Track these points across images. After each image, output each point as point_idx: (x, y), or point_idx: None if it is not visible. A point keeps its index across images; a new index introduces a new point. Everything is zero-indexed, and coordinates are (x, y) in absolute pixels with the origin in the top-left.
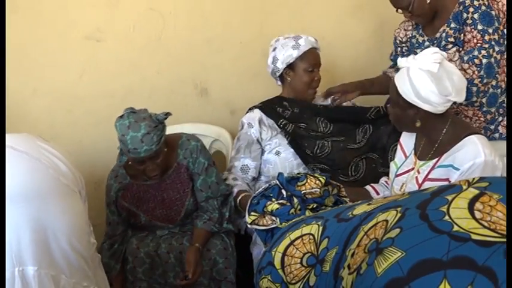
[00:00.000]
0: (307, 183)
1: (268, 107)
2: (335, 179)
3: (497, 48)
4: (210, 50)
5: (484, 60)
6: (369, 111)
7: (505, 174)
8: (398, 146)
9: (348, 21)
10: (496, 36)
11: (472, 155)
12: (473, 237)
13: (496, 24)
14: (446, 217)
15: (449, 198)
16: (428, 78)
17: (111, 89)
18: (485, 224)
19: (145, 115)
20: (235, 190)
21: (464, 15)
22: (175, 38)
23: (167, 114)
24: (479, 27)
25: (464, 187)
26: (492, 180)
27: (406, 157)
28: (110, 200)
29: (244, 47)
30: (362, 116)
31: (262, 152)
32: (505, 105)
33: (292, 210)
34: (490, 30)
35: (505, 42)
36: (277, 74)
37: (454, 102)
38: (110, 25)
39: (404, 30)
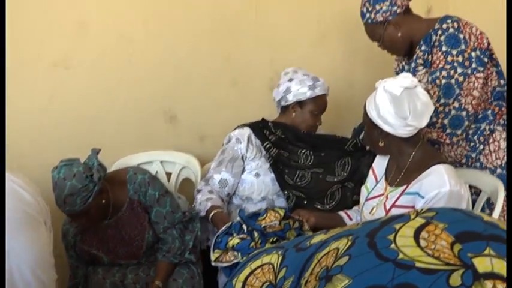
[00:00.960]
0: (267, 217)
1: (257, 128)
2: (311, 207)
3: (459, 70)
4: (179, 77)
5: (443, 81)
6: (347, 142)
7: (470, 204)
8: (370, 171)
9: (315, 51)
10: (460, 58)
11: (438, 184)
12: (417, 264)
13: (463, 46)
14: (393, 245)
15: (397, 227)
16: (388, 100)
17: (80, 116)
18: (430, 252)
19: (77, 170)
20: (209, 204)
21: (434, 37)
22: (144, 65)
23: (97, 153)
24: (444, 48)
25: (412, 217)
26: (439, 210)
27: (377, 182)
28: (68, 244)
29: (213, 75)
30: (341, 147)
31: (243, 170)
32: (485, 132)
33: (253, 244)
34: (454, 52)
35: (473, 66)
36: (283, 104)
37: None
38: (78, 52)
39: (396, 60)
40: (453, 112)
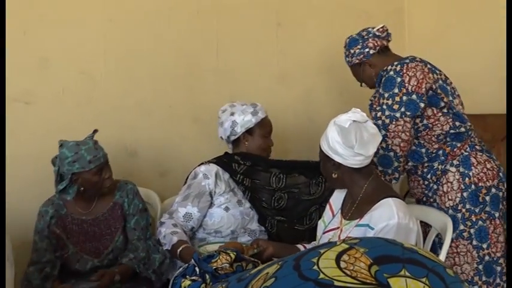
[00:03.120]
0: (219, 260)
1: (223, 162)
2: (292, 228)
3: (387, 113)
4: (140, 113)
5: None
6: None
7: (420, 238)
8: (328, 205)
9: (276, 89)
10: (390, 102)
11: (386, 217)
12: (336, 283)
13: (396, 90)
14: (315, 267)
15: (322, 251)
16: (336, 131)
17: (40, 151)
18: (348, 273)
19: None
20: (175, 239)
21: (382, 78)
22: (105, 100)
23: (94, 132)
24: (380, 90)
25: (338, 243)
26: (363, 238)
27: (334, 215)
28: (43, 225)
29: (174, 111)
30: (314, 169)
31: (211, 205)
32: (438, 172)
33: (203, 286)
34: (386, 95)
35: (402, 109)
36: (233, 138)
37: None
38: (39, 87)
39: None
40: (381, 152)
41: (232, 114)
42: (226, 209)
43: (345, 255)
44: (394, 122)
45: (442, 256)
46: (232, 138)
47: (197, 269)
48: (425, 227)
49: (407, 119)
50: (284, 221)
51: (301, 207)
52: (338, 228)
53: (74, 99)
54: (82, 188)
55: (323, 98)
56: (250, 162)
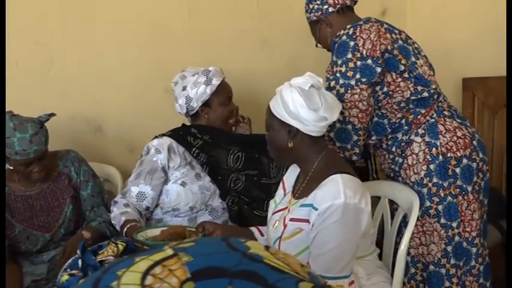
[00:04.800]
0: (105, 251)
1: (178, 135)
2: (251, 214)
3: (341, 81)
4: (104, 85)
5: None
6: None
7: (374, 218)
8: (281, 184)
9: (257, 55)
10: (343, 69)
11: (331, 195)
12: None
13: (349, 55)
14: (115, 283)
15: (135, 260)
16: (297, 93)
17: None
18: None
19: (27, 117)
20: (123, 219)
21: (334, 45)
22: (64, 72)
23: (50, 115)
24: (334, 58)
25: (166, 247)
26: (201, 241)
27: (285, 194)
28: None
29: (142, 82)
30: None
31: (166, 181)
32: (402, 143)
33: (82, 280)
34: (339, 62)
35: (357, 76)
36: (192, 113)
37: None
38: None
39: None
40: (337, 125)
41: (184, 88)
42: (183, 184)
43: (158, 267)
44: (349, 91)
45: (406, 238)
46: (192, 113)
47: (79, 262)
48: (395, 205)
49: (364, 86)
50: (246, 202)
51: (259, 191)
52: (286, 208)
53: (28, 72)
54: (12, 167)
55: (311, 65)
56: (208, 136)
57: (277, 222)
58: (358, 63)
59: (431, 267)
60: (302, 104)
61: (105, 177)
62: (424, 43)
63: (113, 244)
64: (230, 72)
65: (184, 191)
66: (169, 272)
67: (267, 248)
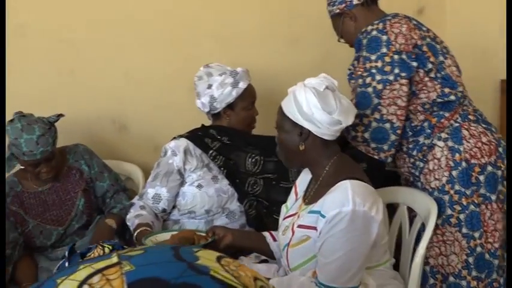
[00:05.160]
0: (92, 254)
1: (196, 137)
2: (271, 215)
3: (378, 77)
4: (129, 83)
5: (358, 90)
6: None
7: (385, 227)
8: (293, 188)
9: (285, 54)
10: (379, 64)
11: (339, 203)
12: None
13: (384, 49)
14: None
15: (80, 268)
16: (312, 93)
17: None
18: None
19: (36, 118)
20: (136, 222)
21: (362, 41)
22: (89, 70)
23: (59, 116)
24: (364, 53)
25: (113, 255)
26: (151, 249)
27: (296, 199)
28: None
29: (168, 80)
30: None
31: (183, 183)
32: (424, 147)
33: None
34: (373, 57)
35: (396, 71)
36: (213, 113)
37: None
38: (16, 57)
39: None
40: (374, 124)
41: (209, 87)
42: (199, 186)
43: (97, 276)
44: (388, 87)
45: (422, 247)
46: (213, 112)
47: (66, 264)
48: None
49: (404, 81)
50: (264, 205)
51: (278, 194)
52: (296, 214)
53: (53, 69)
54: (23, 167)
55: (343, 65)
56: (226, 138)
57: (287, 228)
58: (395, 57)
59: (451, 278)
60: (316, 105)
61: (127, 175)
62: (463, 43)
63: (100, 247)
64: (257, 71)
65: (200, 194)
66: (106, 281)
67: (219, 258)
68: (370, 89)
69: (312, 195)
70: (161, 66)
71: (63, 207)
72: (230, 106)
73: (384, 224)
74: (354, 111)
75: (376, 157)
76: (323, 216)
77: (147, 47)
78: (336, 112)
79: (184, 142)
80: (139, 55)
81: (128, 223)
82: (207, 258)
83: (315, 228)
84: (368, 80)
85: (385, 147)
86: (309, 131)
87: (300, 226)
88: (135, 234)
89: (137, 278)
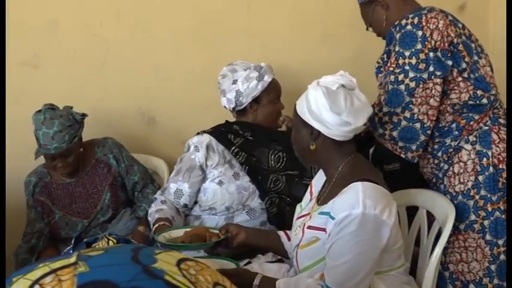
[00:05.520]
0: (97, 245)
1: (219, 133)
2: (293, 215)
3: (411, 74)
4: (158, 78)
5: (390, 87)
6: None
7: (400, 231)
8: (309, 187)
9: (317, 50)
10: (413, 61)
11: (349, 205)
12: None
13: (419, 46)
14: None
15: (41, 265)
16: (322, 93)
17: None
18: None
19: (63, 112)
20: (156, 216)
21: (395, 34)
22: (119, 64)
23: (84, 115)
24: (397, 48)
25: (73, 255)
26: (112, 250)
27: (311, 199)
28: (28, 195)
29: (196, 75)
30: None
31: (204, 179)
32: (450, 149)
33: None
34: (407, 53)
35: (431, 69)
36: (239, 109)
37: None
38: (48, 50)
39: None
40: (404, 123)
41: (234, 82)
42: (220, 183)
43: (50, 276)
44: (421, 85)
45: (437, 253)
46: (239, 108)
47: (71, 252)
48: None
49: (438, 81)
50: (287, 202)
51: (300, 192)
52: (309, 214)
53: (85, 62)
54: None
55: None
56: (249, 134)
57: (298, 228)
58: (431, 54)
59: (472, 286)
60: (325, 106)
61: (153, 169)
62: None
63: (106, 239)
64: (289, 67)
65: (220, 190)
66: (58, 282)
67: (180, 262)
68: (402, 87)
69: (325, 196)
70: (191, 61)
71: (90, 200)
72: (256, 100)
73: (398, 228)
74: (367, 112)
75: (402, 156)
76: (332, 218)
77: (177, 43)
78: (345, 113)
79: (207, 138)
80: (169, 49)
81: (149, 217)
82: (165, 261)
83: (324, 229)
84: (400, 77)
85: (413, 147)
86: (319, 131)
87: (309, 227)
88: (153, 229)
89: (88, 280)
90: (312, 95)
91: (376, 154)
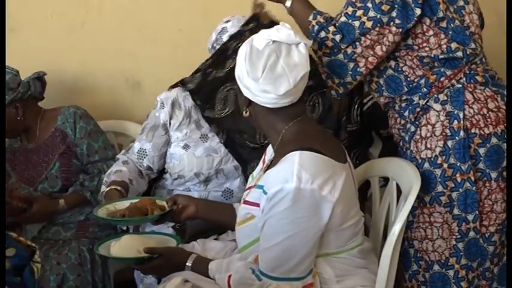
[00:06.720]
0: None
1: (204, 92)
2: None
3: (371, 14)
4: (143, 39)
5: (343, 19)
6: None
7: (349, 208)
8: (263, 155)
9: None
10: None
11: (282, 178)
12: None
13: None
14: None
15: None
16: (244, 53)
17: None
18: None
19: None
20: (112, 178)
21: None
22: (100, 25)
23: (19, 83)
24: None
25: None
26: None
27: (262, 169)
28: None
29: (184, 36)
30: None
31: (169, 142)
32: (417, 108)
33: None
34: None
35: (393, 14)
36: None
37: None
38: (24, 12)
39: None
40: (340, 56)
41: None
42: (186, 146)
43: None
44: (377, 28)
45: (395, 230)
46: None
47: None
48: None
49: (393, 30)
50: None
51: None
52: (254, 186)
53: (64, 24)
54: None
55: None
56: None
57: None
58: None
59: (436, 267)
60: (243, 70)
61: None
62: None
63: None
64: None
65: (187, 155)
66: None
67: None
68: (356, 23)
69: (270, 165)
70: (177, 20)
71: (37, 168)
72: None
73: (348, 204)
74: (294, 77)
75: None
76: (265, 193)
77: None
78: (260, 79)
79: (174, 93)
80: (153, 7)
81: (105, 178)
82: None
83: (258, 205)
84: (359, 12)
85: (336, 81)
86: (248, 98)
87: (245, 202)
88: (105, 192)
89: None
90: (239, 55)
91: (371, 118)
